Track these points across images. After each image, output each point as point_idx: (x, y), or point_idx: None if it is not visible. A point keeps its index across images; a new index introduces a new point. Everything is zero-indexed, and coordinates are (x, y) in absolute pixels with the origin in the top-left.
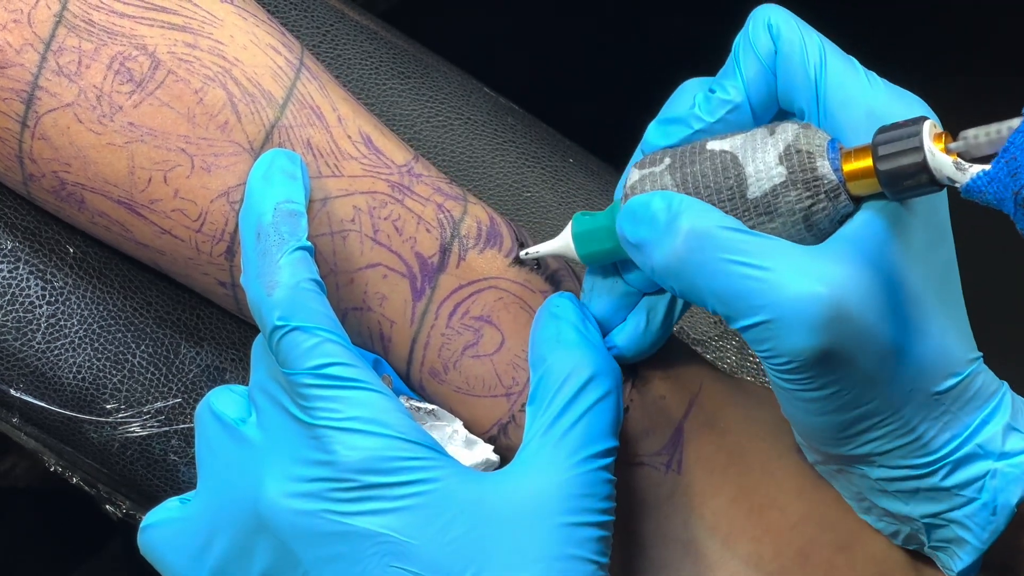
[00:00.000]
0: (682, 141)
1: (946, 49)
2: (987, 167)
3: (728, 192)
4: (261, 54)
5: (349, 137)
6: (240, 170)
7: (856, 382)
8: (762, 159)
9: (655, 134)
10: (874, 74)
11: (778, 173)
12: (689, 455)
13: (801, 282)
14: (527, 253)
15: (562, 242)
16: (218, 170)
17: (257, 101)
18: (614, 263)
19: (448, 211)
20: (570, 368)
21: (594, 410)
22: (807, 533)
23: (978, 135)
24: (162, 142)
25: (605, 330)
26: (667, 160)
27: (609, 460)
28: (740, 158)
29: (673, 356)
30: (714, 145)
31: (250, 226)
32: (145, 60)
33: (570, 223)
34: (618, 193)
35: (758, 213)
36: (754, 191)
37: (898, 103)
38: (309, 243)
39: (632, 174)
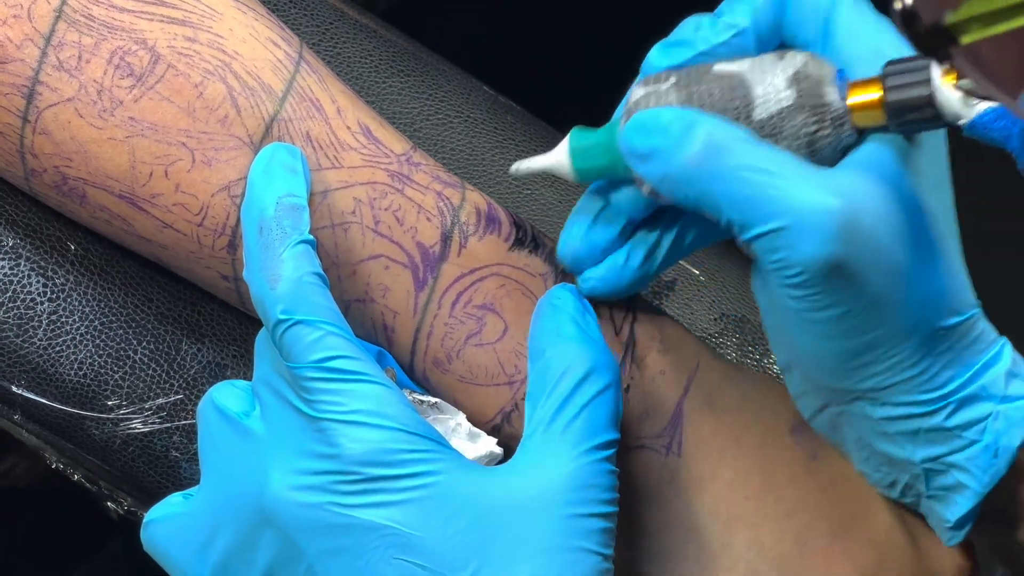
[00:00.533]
0: (685, 63)
1: None
2: (995, 104)
3: (734, 112)
4: (260, 47)
5: (348, 128)
6: (241, 164)
7: (865, 303)
8: (771, 82)
9: (658, 56)
10: (886, 18)
11: (786, 96)
12: (689, 436)
13: (817, 192)
14: (519, 168)
15: (558, 156)
16: (219, 164)
17: (257, 95)
18: (599, 192)
19: (447, 198)
20: (568, 362)
21: (594, 403)
22: (803, 519)
23: None
24: (163, 136)
25: (583, 268)
26: (672, 79)
27: (611, 452)
28: (748, 80)
29: (669, 329)
30: (721, 67)
31: (252, 221)
32: (145, 54)
33: (567, 137)
34: (618, 113)
35: (763, 135)
36: (760, 112)
37: (906, 47)
38: (311, 236)
39: (636, 91)
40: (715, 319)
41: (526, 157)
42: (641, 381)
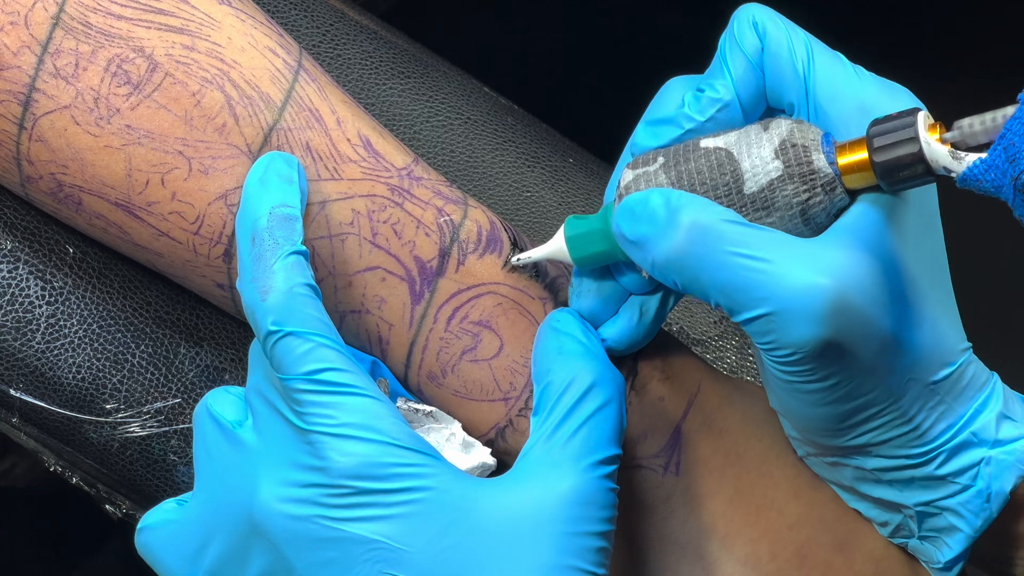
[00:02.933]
0: (672, 141)
1: (936, 54)
2: (983, 155)
3: (725, 188)
4: (259, 56)
5: (348, 140)
6: (238, 173)
7: (857, 372)
8: (758, 154)
9: (644, 135)
10: (861, 68)
11: (774, 167)
12: (687, 457)
13: (804, 273)
14: (519, 259)
15: (555, 246)
16: (216, 173)
17: (255, 104)
18: (606, 265)
19: (448, 215)
20: (571, 377)
21: (595, 418)
22: (804, 533)
23: (973, 124)
24: (160, 144)
25: (595, 324)
26: (660, 159)
27: (612, 468)
28: (735, 154)
29: (672, 357)
30: (708, 143)
31: (245, 230)
32: (142, 62)
33: (562, 227)
34: (609, 195)
35: (755, 208)
36: (751, 186)
37: (888, 95)
38: (304, 247)
39: (625, 174)
40: (715, 322)
41: (528, 162)
42: (639, 406)
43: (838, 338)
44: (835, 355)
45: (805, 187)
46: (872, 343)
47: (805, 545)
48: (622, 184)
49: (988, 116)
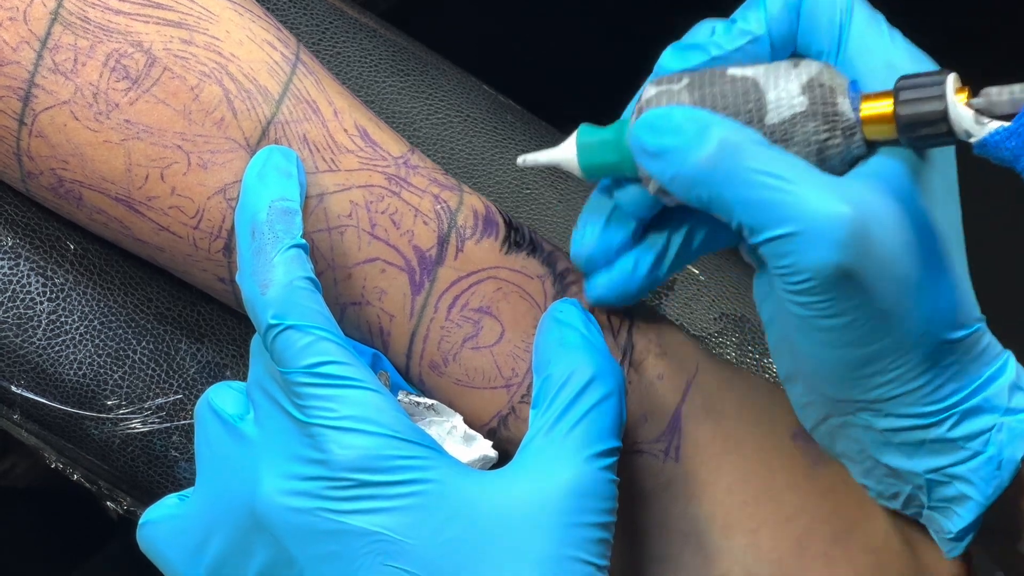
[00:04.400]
0: (698, 66)
1: (952, 45)
2: (1007, 123)
3: (747, 115)
4: (257, 49)
5: (345, 130)
6: (237, 167)
7: (872, 313)
8: (784, 87)
9: (671, 58)
10: (898, 31)
11: (799, 103)
12: (687, 442)
13: (829, 199)
14: (525, 160)
15: (565, 151)
16: (215, 167)
17: (253, 97)
18: (608, 191)
19: (445, 201)
20: (572, 369)
21: (596, 410)
22: (803, 524)
23: (1001, 93)
24: (159, 139)
25: (591, 270)
26: (685, 80)
27: (612, 460)
28: (761, 84)
29: (667, 334)
30: (735, 71)
31: (245, 224)
32: (141, 57)
33: (574, 133)
34: (628, 112)
35: (774, 140)
36: (772, 117)
37: (918, 61)
38: (303, 241)
39: (648, 89)
40: (715, 318)
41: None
42: (639, 385)
43: (856, 267)
44: (852, 287)
45: (826, 127)
46: (889, 281)
47: (804, 536)
48: (643, 98)
49: (1017, 87)
